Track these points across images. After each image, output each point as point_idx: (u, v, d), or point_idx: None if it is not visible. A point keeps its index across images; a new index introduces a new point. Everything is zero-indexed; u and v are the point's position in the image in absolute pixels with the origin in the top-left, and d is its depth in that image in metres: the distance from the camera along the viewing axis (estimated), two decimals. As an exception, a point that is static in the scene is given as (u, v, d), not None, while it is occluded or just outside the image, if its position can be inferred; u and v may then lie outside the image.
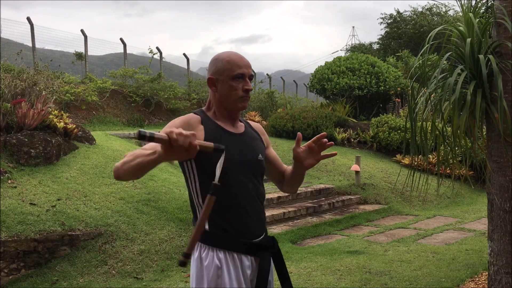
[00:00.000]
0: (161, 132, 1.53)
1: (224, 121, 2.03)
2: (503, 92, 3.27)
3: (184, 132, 1.48)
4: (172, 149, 1.49)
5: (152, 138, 1.44)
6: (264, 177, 2.13)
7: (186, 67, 17.86)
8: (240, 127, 2.09)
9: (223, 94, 1.99)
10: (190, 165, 1.95)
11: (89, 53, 14.59)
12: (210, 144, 1.63)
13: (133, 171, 1.65)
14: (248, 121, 2.22)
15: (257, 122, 2.20)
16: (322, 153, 2.04)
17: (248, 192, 1.98)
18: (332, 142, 2.04)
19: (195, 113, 2.03)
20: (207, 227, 1.95)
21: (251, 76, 2.02)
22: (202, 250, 1.95)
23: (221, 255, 1.92)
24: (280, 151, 10.56)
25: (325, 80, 15.78)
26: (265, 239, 2.04)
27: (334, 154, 2.03)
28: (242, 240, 1.95)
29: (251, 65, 2.07)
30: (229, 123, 2.04)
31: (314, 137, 2.02)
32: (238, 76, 1.97)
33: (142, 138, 1.43)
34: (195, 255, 1.96)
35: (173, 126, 1.85)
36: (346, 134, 12.46)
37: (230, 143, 1.95)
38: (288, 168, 2.20)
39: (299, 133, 2.04)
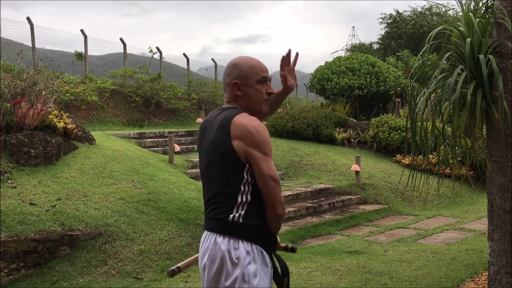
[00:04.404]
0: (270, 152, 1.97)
1: None
2: (503, 92, 3.27)
3: None
4: None
5: None
6: None
7: (186, 67, 17.86)
8: None
9: (249, 97, 2.07)
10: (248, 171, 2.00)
11: (89, 53, 14.58)
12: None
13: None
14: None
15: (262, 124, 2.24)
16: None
17: None
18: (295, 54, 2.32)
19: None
20: (241, 220, 1.99)
21: (270, 79, 2.13)
22: (231, 242, 1.97)
23: (253, 249, 2.00)
24: (280, 151, 10.57)
25: (325, 80, 15.78)
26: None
27: (296, 54, 2.32)
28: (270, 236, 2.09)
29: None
30: None
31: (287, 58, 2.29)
32: (262, 80, 2.07)
33: None
34: (222, 247, 1.96)
35: (269, 142, 1.99)
36: (346, 134, 12.46)
37: None
38: None
39: (289, 50, 2.28)
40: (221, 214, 1.99)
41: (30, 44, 12.99)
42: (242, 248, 1.95)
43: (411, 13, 27.47)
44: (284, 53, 2.28)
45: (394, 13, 27.98)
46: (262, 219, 2.00)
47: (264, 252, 2.02)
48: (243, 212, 1.97)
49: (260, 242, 2.00)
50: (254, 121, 1.98)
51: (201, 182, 2.15)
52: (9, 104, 6.41)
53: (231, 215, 1.97)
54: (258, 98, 2.06)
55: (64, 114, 7.48)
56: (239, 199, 1.98)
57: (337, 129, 12.57)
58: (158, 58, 16.35)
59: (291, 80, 2.28)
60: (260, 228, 1.99)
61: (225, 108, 2.08)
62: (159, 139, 10.51)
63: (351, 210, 8.26)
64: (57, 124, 6.83)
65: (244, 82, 2.05)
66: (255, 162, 1.94)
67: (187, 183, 7.17)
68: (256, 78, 2.05)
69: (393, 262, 5.21)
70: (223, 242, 1.95)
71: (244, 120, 1.97)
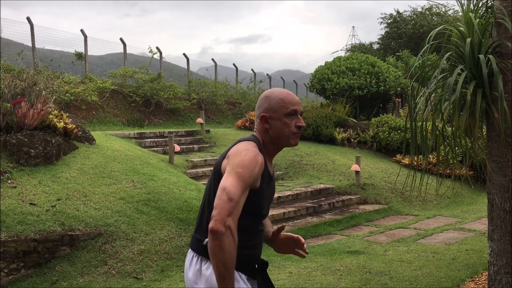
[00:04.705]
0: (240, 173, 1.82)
1: (269, 158, 2.10)
2: (503, 92, 3.27)
3: None
4: None
5: None
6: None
7: (186, 67, 17.86)
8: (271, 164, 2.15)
9: (277, 131, 2.04)
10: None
11: (89, 53, 14.58)
12: None
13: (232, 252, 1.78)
14: None
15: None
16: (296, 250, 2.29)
17: (262, 232, 2.14)
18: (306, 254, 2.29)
19: (257, 146, 2.00)
20: None
21: (302, 113, 2.09)
22: (203, 263, 1.99)
23: None
24: (280, 151, 10.54)
25: (325, 80, 15.78)
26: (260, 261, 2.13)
27: (303, 256, 2.30)
28: (247, 262, 2.03)
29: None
30: (271, 160, 2.12)
31: (294, 237, 2.25)
32: (292, 113, 2.03)
33: None
34: (195, 267, 2.00)
35: (250, 171, 1.87)
36: (346, 134, 12.46)
37: (270, 191, 2.08)
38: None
39: (283, 224, 2.23)
40: (200, 236, 2.03)
41: (30, 44, 13.00)
42: (213, 270, 1.95)
43: (411, 13, 27.49)
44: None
45: (394, 13, 28.01)
46: (239, 249, 1.95)
47: (242, 276, 2.00)
48: None
49: (235, 267, 1.96)
50: (251, 149, 1.93)
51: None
52: (9, 104, 6.41)
53: (206, 240, 1.96)
54: (285, 132, 2.04)
55: (64, 114, 7.48)
56: None
57: (337, 129, 12.57)
58: (158, 58, 16.35)
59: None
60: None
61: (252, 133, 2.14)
62: (159, 139, 10.52)
63: (351, 210, 8.26)
64: (57, 124, 6.83)
65: (272, 115, 2.03)
66: (224, 175, 1.89)
67: (187, 183, 7.17)
68: (284, 112, 2.02)
69: (393, 262, 5.21)
70: (197, 262, 2.00)
71: (244, 146, 1.96)
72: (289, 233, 2.28)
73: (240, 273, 2.00)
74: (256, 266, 2.07)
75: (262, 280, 2.07)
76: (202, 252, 1.99)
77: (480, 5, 3.85)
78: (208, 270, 1.96)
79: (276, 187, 9.45)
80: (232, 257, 1.78)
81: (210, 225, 1.76)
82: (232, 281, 1.80)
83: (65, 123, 7.09)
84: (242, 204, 1.85)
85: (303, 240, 2.26)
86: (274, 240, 2.25)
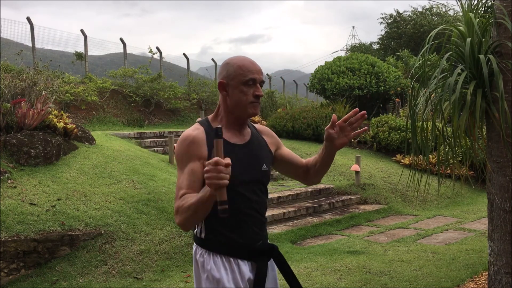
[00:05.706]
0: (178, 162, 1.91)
1: (231, 130, 2.01)
2: (504, 92, 3.27)
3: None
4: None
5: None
6: (267, 185, 2.15)
7: (186, 67, 17.87)
8: (247, 135, 2.05)
9: (234, 99, 1.97)
10: None
11: (89, 53, 14.59)
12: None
13: (190, 215, 1.78)
14: (256, 125, 2.20)
15: (261, 125, 2.20)
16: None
17: (250, 203, 1.99)
18: (364, 112, 1.98)
19: (200, 123, 2.02)
20: (203, 235, 2.00)
21: (262, 82, 2.00)
22: (199, 254, 2.00)
23: (217, 259, 1.96)
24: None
25: (325, 80, 15.79)
26: (262, 245, 2.04)
27: (365, 130, 2.05)
28: (237, 246, 1.97)
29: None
30: (236, 130, 2.02)
31: (347, 115, 1.98)
32: (250, 82, 1.95)
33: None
34: (194, 256, 2.03)
35: (182, 153, 1.92)
36: (346, 134, 12.46)
37: (232, 157, 1.90)
38: (309, 159, 2.18)
39: (334, 115, 2.00)
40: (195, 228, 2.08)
41: (30, 44, 13.01)
42: (207, 258, 1.97)
43: (411, 13, 27.49)
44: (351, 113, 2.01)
45: (394, 13, 28.01)
46: (220, 234, 1.95)
47: (240, 262, 1.97)
48: (203, 227, 1.99)
49: (226, 253, 1.96)
50: (185, 132, 1.98)
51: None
52: (9, 104, 6.41)
53: (195, 230, 2.04)
54: (241, 100, 1.95)
55: (64, 114, 7.48)
56: None
57: (337, 129, 12.56)
58: (158, 58, 16.36)
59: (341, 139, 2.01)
60: (219, 243, 1.96)
61: None
62: (159, 139, 10.51)
63: (351, 210, 8.25)
64: (57, 124, 6.83)
65: (230, 82, 1.96)
66: None
67: (187, 183, 7.17)
68: (242, 80, 1.94)
69: (393, 262, 5.21)
70: (195, 251, 2.03)
71: (185, 131, 2.02)
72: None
73: (235, 261, 1.97)
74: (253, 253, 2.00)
75: (263, 268, 2.00)
76: (195, 240, 2.04)
77: (480, 5, 3.85)
78: (201, 258, 1.98)
79: (276, 187, 9.40)
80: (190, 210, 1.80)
81: (175, 221, 1.87)
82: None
83: (65, 123, 7.09)
84: (191, 180, 1.87)
85: (354, 111, 2.00)
86: (329, 136, 2.00)
